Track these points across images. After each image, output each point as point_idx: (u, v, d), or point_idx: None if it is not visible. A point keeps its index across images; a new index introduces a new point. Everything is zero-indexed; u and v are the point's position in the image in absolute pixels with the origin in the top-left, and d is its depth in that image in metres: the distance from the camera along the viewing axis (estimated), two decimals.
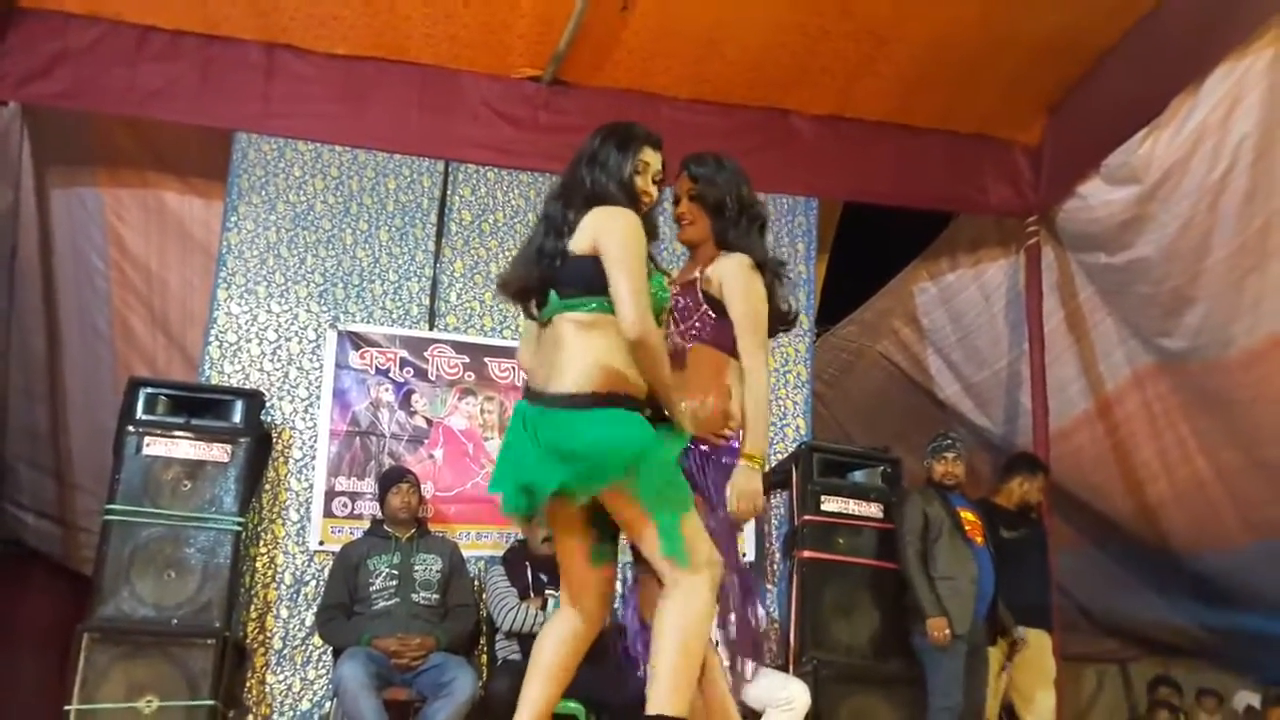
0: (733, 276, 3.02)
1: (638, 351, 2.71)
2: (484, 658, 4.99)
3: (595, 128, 3.00)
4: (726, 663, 3.03)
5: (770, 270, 3.09)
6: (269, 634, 4.96)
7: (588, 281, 2.76)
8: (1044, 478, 5.62)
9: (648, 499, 2.64)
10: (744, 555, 5.17)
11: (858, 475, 5.40)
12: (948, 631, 4.75)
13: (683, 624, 2.61)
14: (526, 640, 4.54)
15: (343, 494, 5.15)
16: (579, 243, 2.79)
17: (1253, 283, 4.92)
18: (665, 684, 2.58)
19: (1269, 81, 4.48)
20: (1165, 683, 7.69)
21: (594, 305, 2.76)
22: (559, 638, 2.85)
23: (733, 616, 2.98)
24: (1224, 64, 4.59)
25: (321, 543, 5.06)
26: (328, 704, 4.76)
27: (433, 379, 5.38)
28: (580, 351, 2.73)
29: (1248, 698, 6.36)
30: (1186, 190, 4.91)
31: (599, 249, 2.76)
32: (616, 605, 3.59)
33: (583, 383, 2.69)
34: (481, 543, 5.23)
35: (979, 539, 5.08)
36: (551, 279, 2.81)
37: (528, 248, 2.92)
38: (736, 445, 2.96)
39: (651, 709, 2.58)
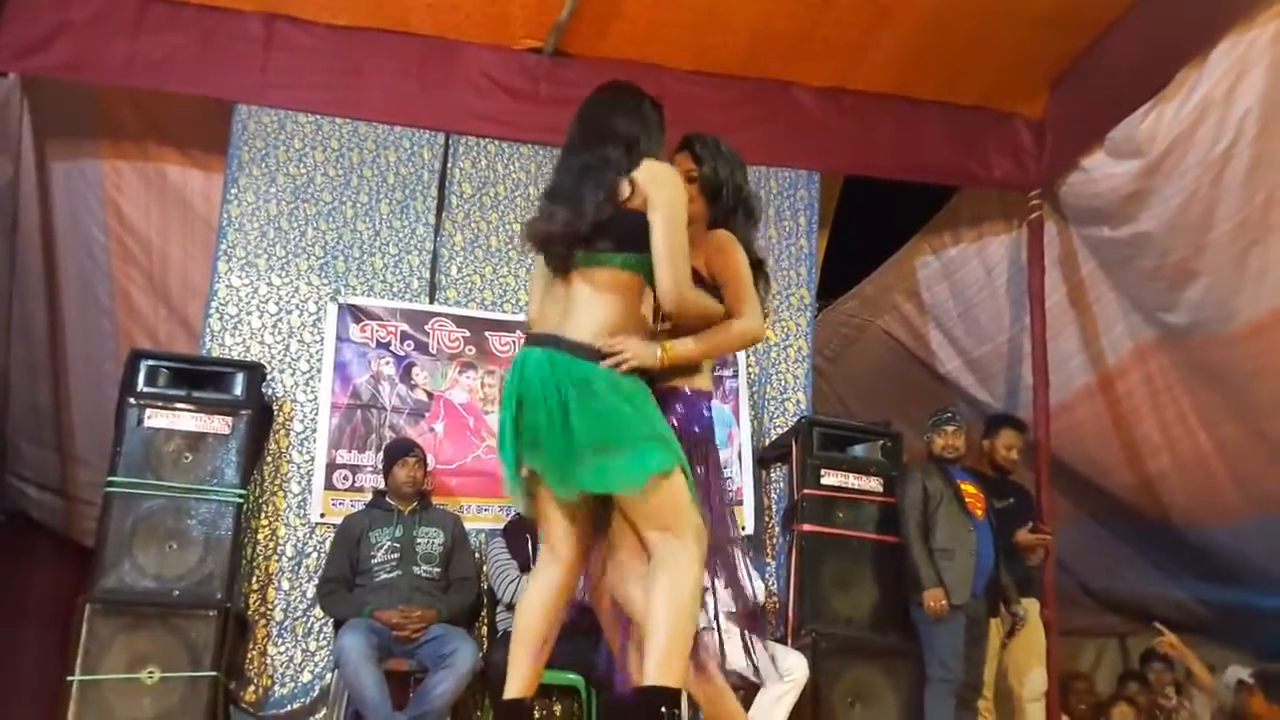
0: (720, 251, 3.05)
1: (678, 318, 2.81)
2: (484, 629, 5.01)
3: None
4: (727, 632, 3.05)
5: (755, 262, 3.12)
6: (270, 606, 4.98)
7: (623, 236, 2.78)
8: (1008, 434, 5.61)
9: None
10: (743, 529, 5.22)
11: (858, 449, 5.41)
12: (944, 602, 4.76)
13: (675, 595, 2.62)
14: None
15: (344, 467, 5.15)
16: (627, 195, 2.79)
17: (1256, 256, 4.90)
18: (660, 655, 2.59)
19: (1274, 54, 4.44)
20: (1155, 657, 7.67)
21: (618, 262, 2.78)
22: (540, 602, 2.87)
23: (722, 583, 3.00)
24: (1229, 36, 4.54)
25: (323, 515, 5.07)
26: (329, 675, 4.79)
27: (433, 352, 5.37)
28: (598, 307, 2.78)
29: (1239, 672, 6.34)
30: (1190, 164, 4.88)
31: (648, 202, 2.77)
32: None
33: (599, 332, 2.75)
34: (482, 516, 5.24)
35: (979, 512, 5.10)
36: (601, 225, 2.78)
37: (572, 188, 2.85)
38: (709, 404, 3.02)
39: (648, 680, 2.59)
